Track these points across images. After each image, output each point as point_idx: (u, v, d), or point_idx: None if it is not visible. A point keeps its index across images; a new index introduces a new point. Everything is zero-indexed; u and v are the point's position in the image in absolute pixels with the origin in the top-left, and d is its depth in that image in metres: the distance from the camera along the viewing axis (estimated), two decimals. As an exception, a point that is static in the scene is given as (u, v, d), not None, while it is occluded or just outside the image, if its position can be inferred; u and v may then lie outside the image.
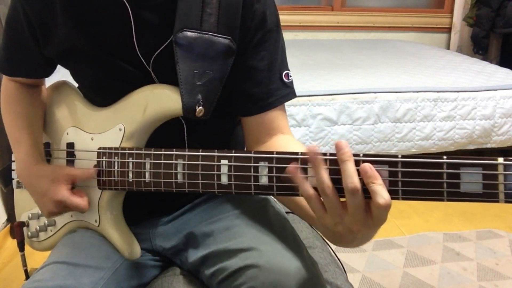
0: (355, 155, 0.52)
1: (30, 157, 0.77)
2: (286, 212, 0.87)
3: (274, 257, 0.66)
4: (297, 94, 0.79)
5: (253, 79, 0.74)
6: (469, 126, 2.12)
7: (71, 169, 0.74)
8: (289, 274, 0.64)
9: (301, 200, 0.60)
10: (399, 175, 0.51)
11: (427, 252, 1.72)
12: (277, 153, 0.57)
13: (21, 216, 0.89)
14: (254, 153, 0.58)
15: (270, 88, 0.74)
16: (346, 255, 1.69)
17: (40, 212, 0.83)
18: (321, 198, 0.53)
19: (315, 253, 0.89)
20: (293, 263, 0.66)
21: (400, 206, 2.07)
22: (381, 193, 0.49)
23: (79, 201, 0.71)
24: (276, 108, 0.75)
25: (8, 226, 1.84)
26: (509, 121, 2.15)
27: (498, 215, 2.03)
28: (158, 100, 0.69)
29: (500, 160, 0.47)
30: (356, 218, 0.51)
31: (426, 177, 0.50)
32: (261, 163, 0.58)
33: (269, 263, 0.65)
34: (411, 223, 1.95)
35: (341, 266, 0.91)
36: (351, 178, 0.50)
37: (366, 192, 0.51)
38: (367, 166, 0.50)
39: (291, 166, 0.54)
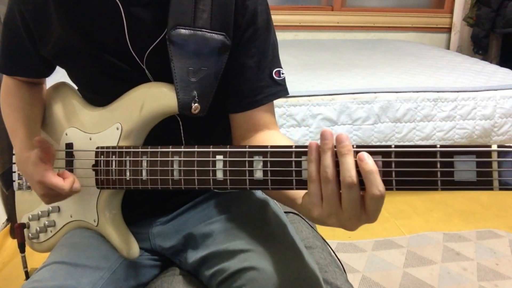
0: None
1: (24, 145, 0.78)
2: (285, 212, 0.87)
3: (273, 260, 0.66)
4: (297, 94, 0.79)
5: (242, 76, 0.73)
6: (469, 126, 2.12)
7: (36, 150, 0.72)
8: (288, 278, 0.64)
9: (295, 193, 0.60)
10: (393, 165, 0.51)
11: (427, 252, 1.72)
12: (272, 147, 0.57)
13: (22, 218, 0.89)
14: (248, 148, 0.58)
15: (258, 85, 0.74)
16: (346, 255, 1.69)
17: (40, 213, 0.83)
18: (322, 185, 0.52)
19: (315, 253, 0.89)
20: (292, 266, 0.66)
21: (400, 206, 2.07)
22: (377, 183, 0.49)
23: (56, 180, 0.68)
24: (263, 105, 0.74)
25: (8, 226, 1.84)
26: (509, 121, 2.15)
27: (498, 215, 2.03)
28: (155, 98, 0.69)
29: (494, 147, 0.47)
30: (351, 213, 0.51)
31: (419, 166, 0.50)
32: (256, 158, 0.58)
33: (268, 265, 0.65)
34: (411, 223, 1.95)
35: (341, 266, 0.91)
36: (349, 171, 0.50)
37: (362, 183, 0.50)
38: (364, 153, 0.50)
39: (313, 142, 0.52)
